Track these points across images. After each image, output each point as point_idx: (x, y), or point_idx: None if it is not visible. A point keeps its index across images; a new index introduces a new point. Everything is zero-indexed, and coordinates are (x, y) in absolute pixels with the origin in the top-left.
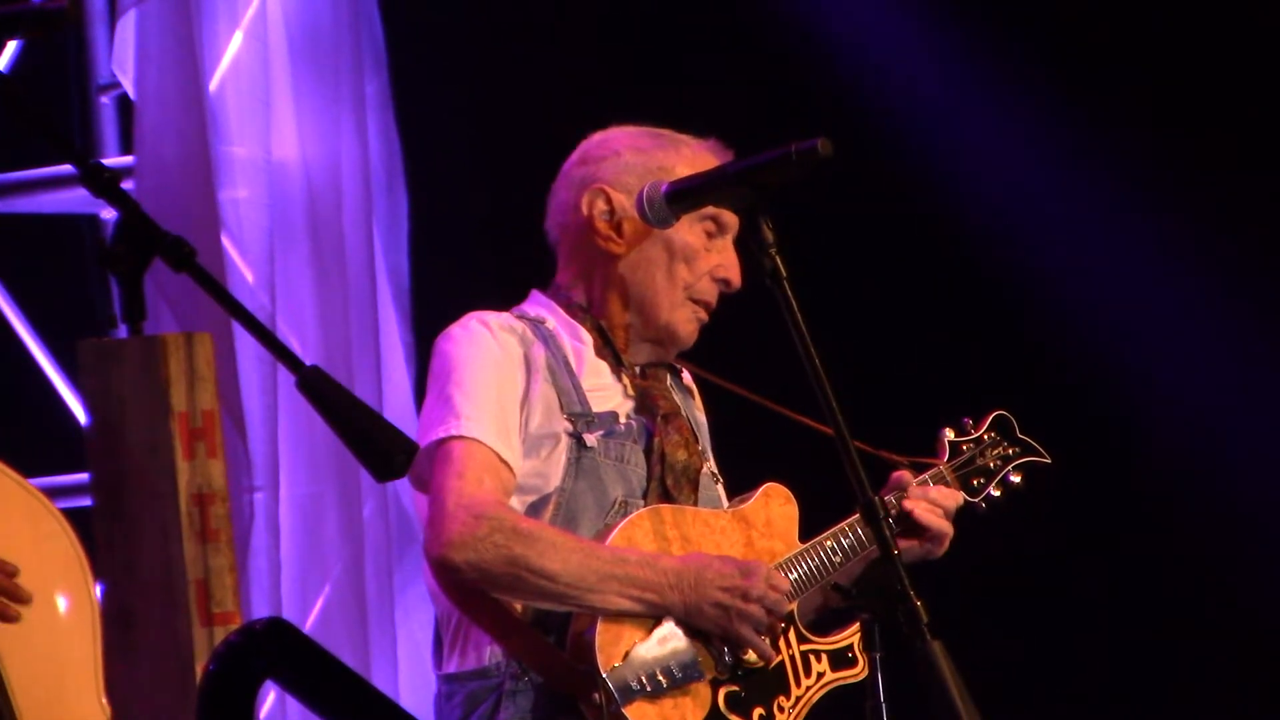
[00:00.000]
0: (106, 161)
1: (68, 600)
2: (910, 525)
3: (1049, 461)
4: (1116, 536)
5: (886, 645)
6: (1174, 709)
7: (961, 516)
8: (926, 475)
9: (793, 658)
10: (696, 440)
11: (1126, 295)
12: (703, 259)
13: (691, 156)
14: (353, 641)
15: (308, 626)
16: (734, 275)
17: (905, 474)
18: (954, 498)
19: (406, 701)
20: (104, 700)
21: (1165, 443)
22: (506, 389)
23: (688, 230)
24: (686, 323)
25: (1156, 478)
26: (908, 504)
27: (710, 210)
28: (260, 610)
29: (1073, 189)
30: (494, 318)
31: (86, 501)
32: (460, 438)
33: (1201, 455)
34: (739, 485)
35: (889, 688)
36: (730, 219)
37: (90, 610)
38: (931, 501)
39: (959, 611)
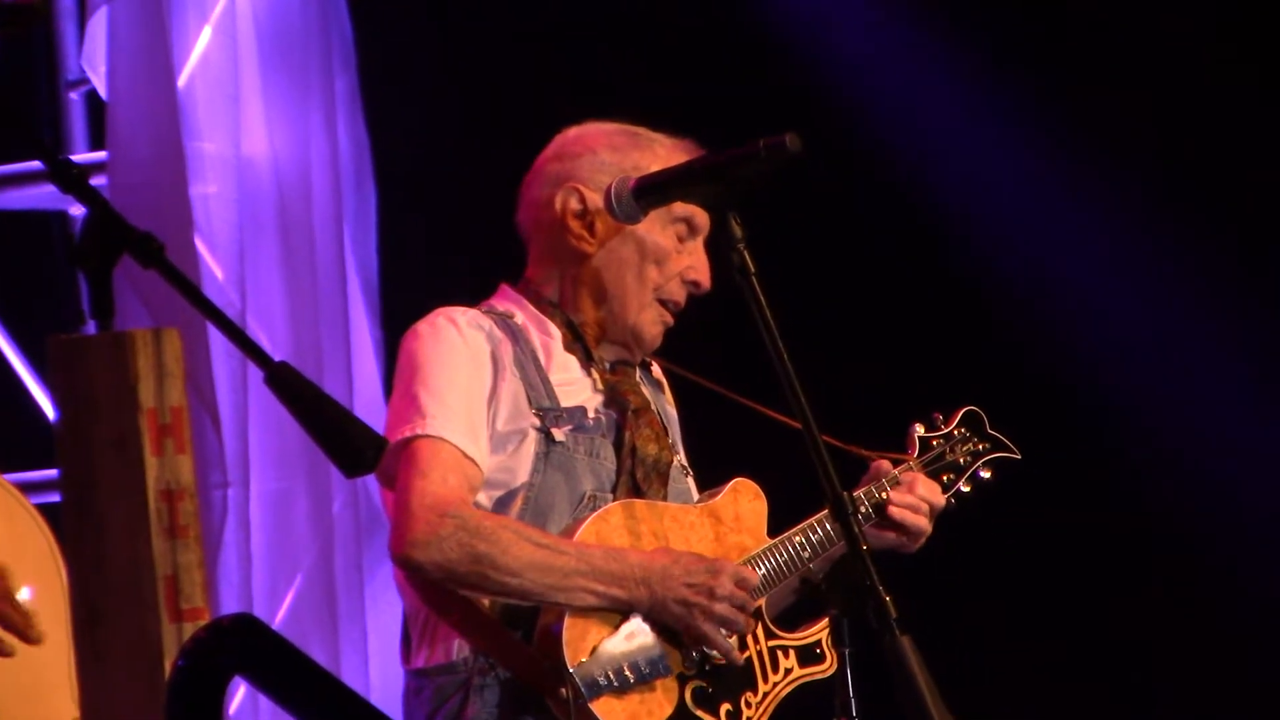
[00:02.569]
0: (75, 157)
1: (45, 600)
2: (889, 521)
3: (1019, 457)
4: (1087, 531)
5: (856, 640)
6: (1146, 705)
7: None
8: (896, 471)
9: (760, 653)
10: (667, 434)
11: (1099, 290)
12: (673, 260)
13: (666, 156)
14: (323, 636)
15: (277, 622)
16: (704, 277)
17: (885, 464)
18: (939, 496)
19: (377, 696)
20: (78, 699)
21: (1137, 436)
22: (473, 386)
23: (659, 232)
24: (652, 325)
25: (1128, 472)
26: (893, 508)
27: (682, 212)
28: (230, 606)
29: (1044, 183)
30: (461, 314)
31: (56, 497)
32: (425, 437)
33: (1176, 451)
34: (708, 480)
35: (858, 683)
36: (702, 221)
37: (64, 606)
38: (919, 497)
39: (928, 607)
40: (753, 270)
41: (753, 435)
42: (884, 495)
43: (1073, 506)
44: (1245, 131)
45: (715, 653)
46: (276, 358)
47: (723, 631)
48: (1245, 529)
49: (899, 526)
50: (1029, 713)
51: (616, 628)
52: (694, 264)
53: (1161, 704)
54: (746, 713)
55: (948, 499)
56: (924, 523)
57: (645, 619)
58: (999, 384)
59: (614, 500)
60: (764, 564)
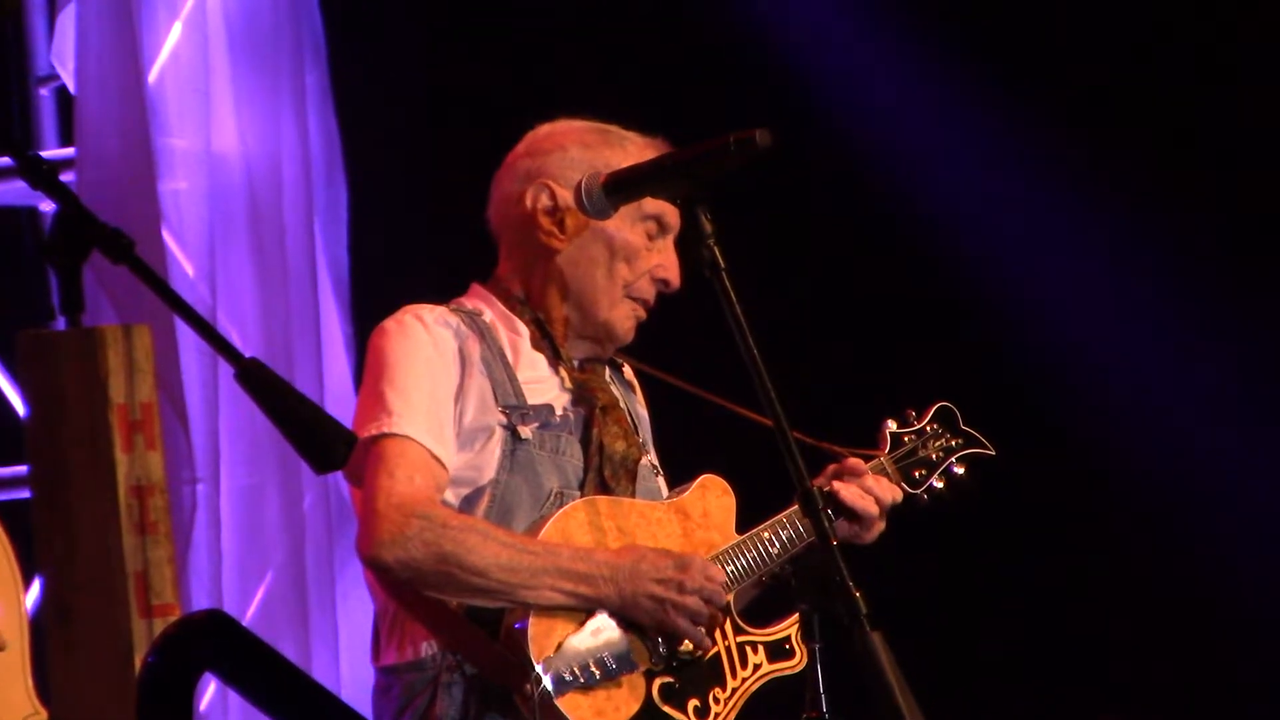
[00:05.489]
0: (45, 154)
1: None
2: (838, 506)
3: (992, 453)
4: (1059, 526)
5: (826, 636)
6: (1116, 697)
7: (904, 508)
8: (867, 467)
9: (729, 649)
10: (636, 432)
11: (1071, 286)
12: (643, 258)
13: (637, 154)
14: (294, 632)
15: (248, 618)
16: (673, 275)
17: (859, 462)
18: (891, 492)
19: (348, 692)
20: (33, 693)
21: (1108, 433)
22: (440, 383)
23: (629, 229)
24: (624, 320)
25: (1101, 468)
26: (836, 484)
27: (652, 210)
28: (201, 602)
29: (1016, 179)
30: (429, 311)
31: (26, 494)
32: (391, 435)
33: (1147, 447)
34: (679, 478)
35: (828, 678)
36: (672, 219)
37: (18, 606)
38: (865, 488)
39: (899, 602)
40: (723, 265)
41: (721, 432)
42: (830, 484)
43: (1047, 501)
44: (1233, 127)
45: (685, 646)
46: (247, 354)
47: (694, 625)
48: (1231, 526)
49: (848, 512)
50: (1002, 709)
51: (582, 624)
52: (663, 262)
53: (1143, 701)
54: (715, 709)
55: (920, 495)
56: (871, 507)
57: (612, 615)
58: (972, 380)
59: (581, 497)
60: (733, 560)
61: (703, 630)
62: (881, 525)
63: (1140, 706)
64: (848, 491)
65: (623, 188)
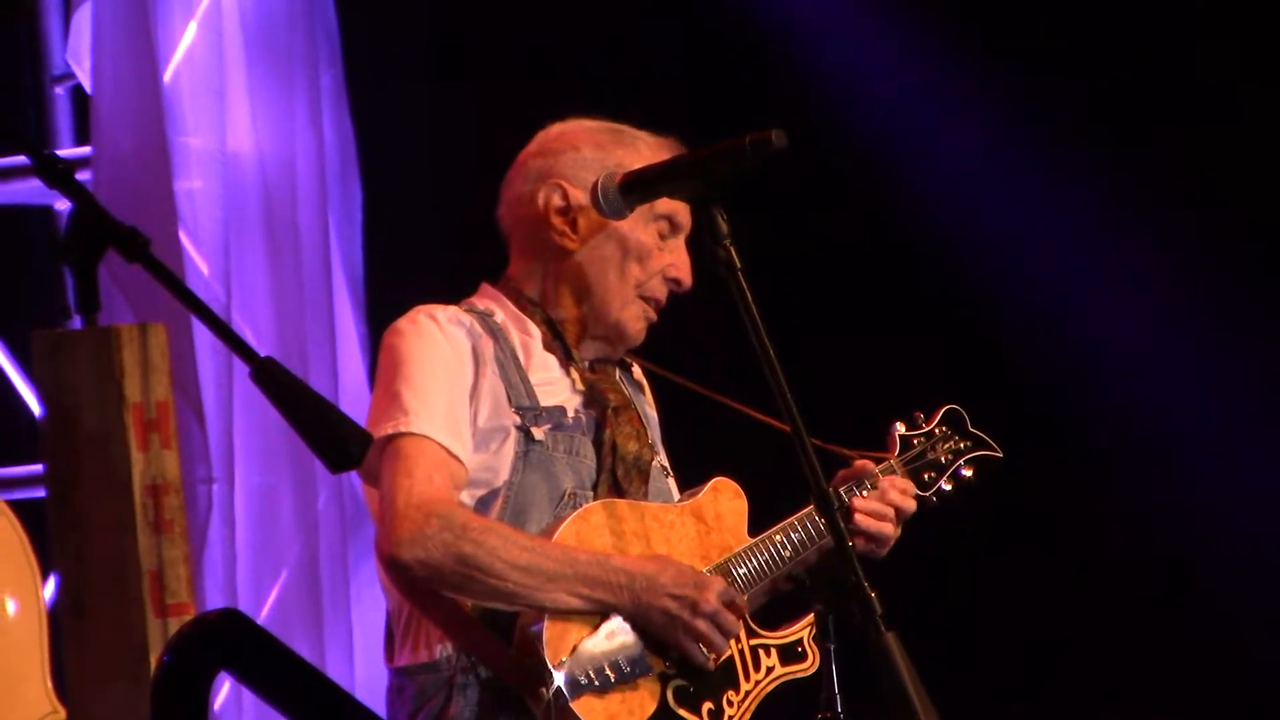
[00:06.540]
0: (61, 152)
1: (16, 596)
2: (856, 528)
3: (1000, 455)
4: (1062, 527)
5: (841, 636)
6: (1125, 699)
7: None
8: (876, 470)
9: (741, 652)
10: (647, 433)
11: (1078, 286)
12: (655, 258)
13: (649, 154)
14: (307, 632)
15: (262, 617)
16: (685, 275)
17: (869, 464)
18: (910, 501)
19: (362, 691)
20: (51, 692)
21: (1112, 434)
22: (455, 383)
23: (641, 229)
24: (635, 320)
25: (1104, 469)
26: (858, 516)
27: (664, 210)
28: (215, 601)
29: (1023, 180)
30: (442, 311)
31: (41, 493)
32: (409, 434)
33: (1151, 448)
34: (689, 479)
35: (843, 678)
36: (684, 219)
37: (36, 604)
38: (889, 503)
39: (913, 602)
40: (738, 265)
41: (732, 434)
42: (849, 504)
43: (1051, 501)
44: (1235, 126)
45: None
46: (262, 353)
47: (702, 647)
48: (1234, 527)
49: (865, 533)
50: (1003, 709)
51: (597, 627)
52: (675, 262)
53: (1143, 701)
54: (728, 711)
55: (929, 497)
56: (889, 529)
57: (627, 619)
58: (981, 383)
59: (595, 498)
60: (745, 563)
61: (708, 652)
62: (896, 536)
63: (1140, 706)
64: (863, 519)
65: (639, 187)
